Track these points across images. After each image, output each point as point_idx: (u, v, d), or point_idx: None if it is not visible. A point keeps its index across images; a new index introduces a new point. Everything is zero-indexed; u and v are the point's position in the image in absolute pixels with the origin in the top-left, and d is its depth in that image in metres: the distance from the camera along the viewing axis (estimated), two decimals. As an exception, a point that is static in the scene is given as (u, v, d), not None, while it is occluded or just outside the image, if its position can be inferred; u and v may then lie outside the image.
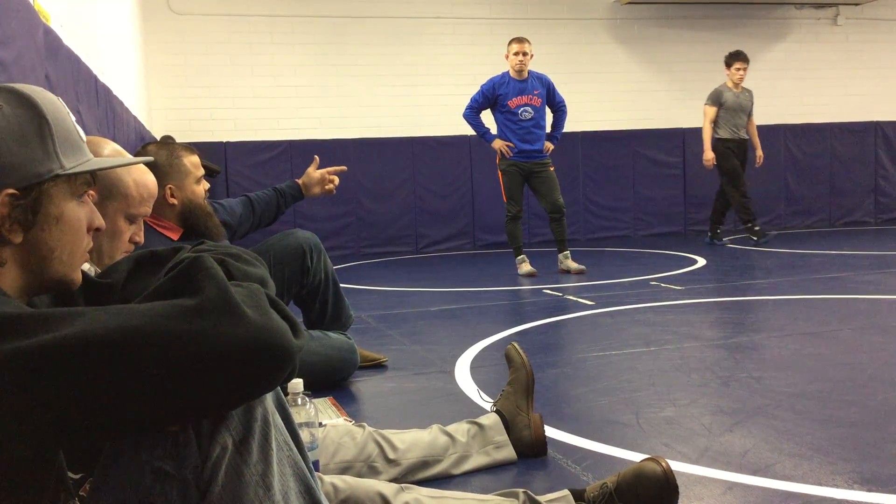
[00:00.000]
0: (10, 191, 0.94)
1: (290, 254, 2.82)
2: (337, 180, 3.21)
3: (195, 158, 2.51)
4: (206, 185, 2.55)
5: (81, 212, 1.03)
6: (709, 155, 7.46)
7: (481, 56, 8.60)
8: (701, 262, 6.36)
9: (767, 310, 4.11)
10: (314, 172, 3.18)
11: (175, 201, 2.44)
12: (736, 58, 7.40)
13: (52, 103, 1.01)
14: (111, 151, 1.76)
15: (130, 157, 1.87)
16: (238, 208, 3.02)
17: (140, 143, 4.95)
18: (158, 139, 6.19)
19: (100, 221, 1.07)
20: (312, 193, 3.18)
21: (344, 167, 3.28)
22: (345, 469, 1.82)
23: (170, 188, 2.42)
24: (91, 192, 1.07)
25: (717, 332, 3.56)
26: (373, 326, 4.10)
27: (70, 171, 0.99)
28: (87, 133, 1.10)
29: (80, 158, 1.02)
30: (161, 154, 2.43)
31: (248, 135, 8.30)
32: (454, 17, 8.88)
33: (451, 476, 1.92)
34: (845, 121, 9.84)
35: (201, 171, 2.52)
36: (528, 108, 5.93)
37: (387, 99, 8.72)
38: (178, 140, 7.14)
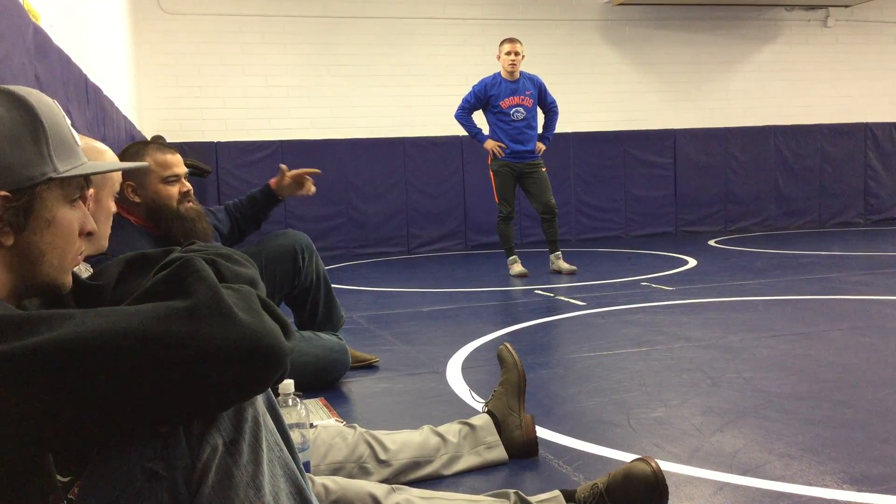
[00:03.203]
0: (3, 193, 0.94)
1: (282, 254, 2.81)
2: (312, 182, 3.02)
3: (165, 157, 2.41)
4: (184, 185, 2.45)
5: (73, 215, 1.02)
6: None
7: (473, 56, 8.61)
8: (692, 262, 6.38)
9: (758, 310, 4.13)
10: (285, 180, 2.99)
11: (138, 199, 2.38)
12: None
13: (48, 106, 1.00)
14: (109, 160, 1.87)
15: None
16: (224, 218, 2.98)
17: (130, 142, 4.93)
18: (149, 139, 6.17)
19: (92, 226, 1.06)
20: (288, 195, 3.02)
21: (318, 170, 3.07)
22: (336, 470, 1.81)
23: (129, 185, 2.37)
24: (90, 192, 1.06)
25: (707, 332, 3.57)
26: (364, 327, 4.09)
27: (63, 175, 0.99)
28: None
29: (74, 162, 1.01)
30: (128, 151, 2.41)
31: (240, 135, 8.28)
32: (446, 17, 8.88)
33: (443, 477, 1.92)
34: (835, 122, 9.89)
35: (170, 171, 2.41)
36: (520, 109, 5.93)
37: (378, 99, 8.71)
38: (168, 140, 7.12)
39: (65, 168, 0.99)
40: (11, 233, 0.96)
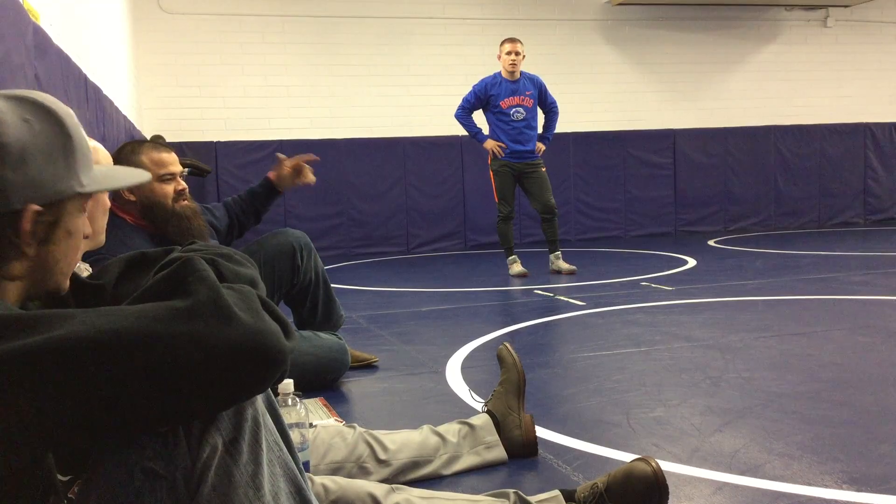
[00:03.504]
0: (36, 207, 0.94)
1: (281, 253, 2.81)
2: (311, 170, 3.01)
3: (160, 156, 2.42)
4: (179, 184, 2.45)
5: (81, 223, 1.04)
6: None
7: (473, 56, 8.61)
8: (691, 262, 6.38)
9: (757, 310, 4.13)
10: (284, 170, 2.99)
11: (132, 197, 2.39)
12: None
13: (71, 117, 1.01)
14: (102, 158, 1.86)
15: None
16: (222, 215, 2.98)
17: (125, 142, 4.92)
18: (149, 139, 6.17)
19: (89, 229, 1.07)
20: (288, 186, 3.01)
21: (315, 156, 3.05)
22: (335, 470, 1.81)
23: None
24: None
25: (707, 332, 3.57)
26: (364, 327, 4.09)
27: (88, 191, 0.99)
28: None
29: (89, 172, 1.02)
30: (124, 150, 2.41)
31: (239, 135, 8.28)
32: (446, 17, 8.88)
33: (442, 476, 1.92)
34: (835, 122, 9.89)
35: (165, 170, 2.42)
36: (520, 109, 5.93)
37: (378, 99, 8.71)
38: (168, 140, 7.12)
39: (87, 181, 1.00)
40: (35, 244, 0.96)
